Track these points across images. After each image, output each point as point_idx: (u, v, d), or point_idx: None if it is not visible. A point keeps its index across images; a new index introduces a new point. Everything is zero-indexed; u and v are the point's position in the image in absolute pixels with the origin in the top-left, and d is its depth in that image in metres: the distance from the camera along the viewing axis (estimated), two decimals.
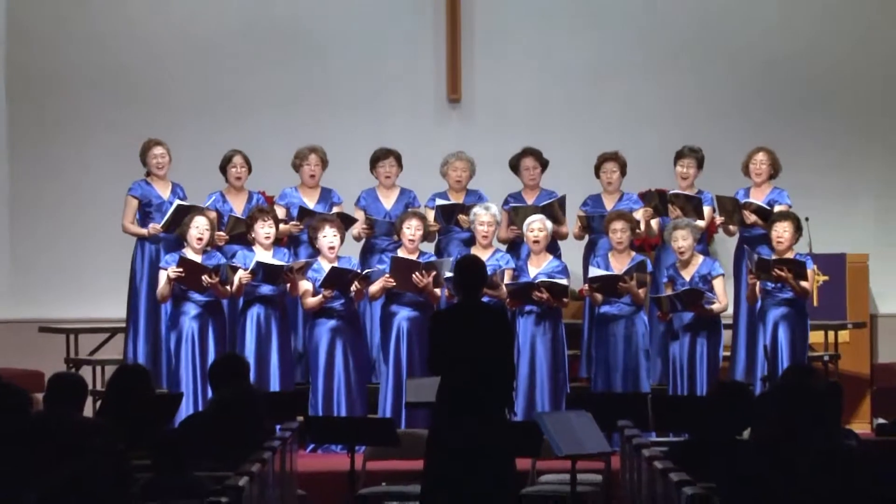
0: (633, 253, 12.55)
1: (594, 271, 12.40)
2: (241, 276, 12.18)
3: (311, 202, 13.09)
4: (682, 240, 12.29)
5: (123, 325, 13.12)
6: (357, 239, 13.06)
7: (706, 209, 12.97)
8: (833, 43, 14.67)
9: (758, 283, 12.24)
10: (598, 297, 12.34)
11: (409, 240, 12.45)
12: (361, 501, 10.59)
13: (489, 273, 11.30)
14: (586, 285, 12.50)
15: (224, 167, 13.08)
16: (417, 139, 13.95)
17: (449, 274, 11.68)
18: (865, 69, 14.69)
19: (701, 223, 12.71)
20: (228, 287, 12.21)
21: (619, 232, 12.41)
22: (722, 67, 14.68)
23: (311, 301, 12.35)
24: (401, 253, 12.43)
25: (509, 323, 10.89)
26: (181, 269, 12.12)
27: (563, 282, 12.40)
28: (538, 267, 12.46)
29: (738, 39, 14.70)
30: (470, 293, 10.00)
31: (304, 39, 14.75)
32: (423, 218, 12.67)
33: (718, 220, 13.02)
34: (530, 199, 13.14)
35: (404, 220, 12.55)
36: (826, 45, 14.69)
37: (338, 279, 12.21)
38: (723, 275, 12.46)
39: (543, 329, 12.39)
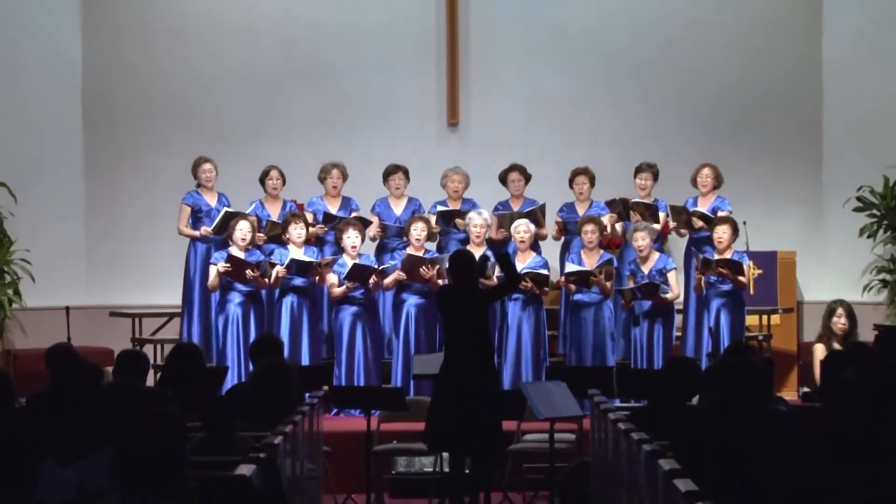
0: (602, 251, 12.52)
1: (570, 266, 12.41)
2: (277, 270, 12.25)
3: (334, 209, 13.07)
4: (641, 240, 12.33)
5: (179, 310, 13.12)
6: (372, 240, 13.05)
7: (661, 215, 12.99)
8: (763, 78, 14.54)
9: (703, 276, 12.30)
10: (573, 287, 12.34)
11: (416, 239, 12.41)
12: (376, 456, 10.62)
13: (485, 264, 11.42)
14: (563, 278, 12.55)
15: (262, 179, 13.10)
16: (422, 157, 13.90)
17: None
18: (790, 100, 14.57)
19: (657, 226, 12.71)
20: (267, 280, 12.30)
21: (590, 233, 12.42)
22: (674, 98, 14.59)
23: (337, 291, 12.39)
24: (409, 251, 12.48)
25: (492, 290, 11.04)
26: (229, 265, 12.17)
27: (545, 272, 12.49)
28: (523, 262, 12.42)
29: (686, 75, 14.56)
30: (462, 280, 10.12)
31: (327, 74, 14.63)
32: (427, 221, 12.64)
33: (671, 224, 13.06)
34: (516, 207, 13.11)
35: (411, 223, 12.54)
36: (758, 79, 14.56)
37: (359, 273, 12.26)
38: (675, 269, 12.47)
39: (528, 313, 12.38)
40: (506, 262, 10.49)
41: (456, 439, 9.85)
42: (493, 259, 11.92)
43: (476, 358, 9.87)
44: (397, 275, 12.34)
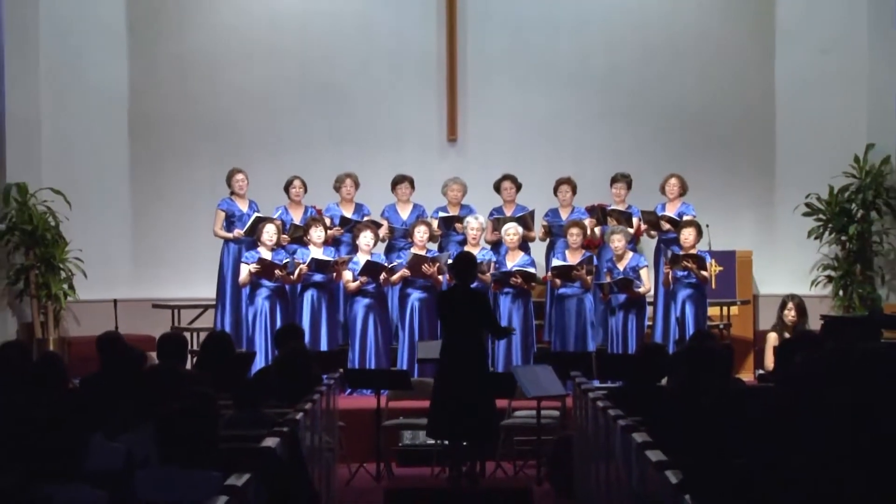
0: (584, 251, 12.60)
1: (556, 262, 12.48)
2: (300, 268, 12.28)
3: (348, 213, 13.07)
4: (617, 242, 12.34)
5: (213, 302, 13.09)
6: (382, 241, 13.07)
7: (634, 219, 12.97)
8: (724, 100, 14.44)
9: (671, 272, 12.31)
10: (558, 282, 12.36)
11: (420, 240, 12.49)
12: (384, 430, 10.64)
13: (479, 261, 11.43)
14: (549, 273, 12.58)
15: (286, 188, 13.10)
16: (425, 168, 13.86)
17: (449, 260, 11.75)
18: (747, 119, 14.47)
19: (631, 230, 12.71)
20: (291, 276, 12.31)
21: (574, 235, 12.44)
22: (645, 118, 14.48)
23: (352, 285, 12.40)
24: (414, 250, 12.49)
25: (488, 299, 10.99)
26: (259, 266, 12.24)
27: (532, 270, 12.50)
28: (513, 261, 12.47)
29: (656, 98, 14.47)
30: (463, 278, 10.13)
31: (342, 96, 14.58)
32: (429, 225, 12.72)
33: (643, 227, 13.08)
34: (508, 212, 13.10)
35: (416, 226, 12.59)
36: (719, 102, 14.44)
37: (371, 270, 12.30)
38: (647, 266, 12.48)
39: (518, 305, 12.37)
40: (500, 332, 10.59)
41: (454, 432, 9.89)
42: (492, 257, 12.05)
43: (471, 348, 9.87)
44: (403, 272, 12.35)
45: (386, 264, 12.38)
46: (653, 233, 13.03)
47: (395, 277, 12.39)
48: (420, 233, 12.51)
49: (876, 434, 4.81)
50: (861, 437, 4.76)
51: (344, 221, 12.98)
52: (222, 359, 8.54)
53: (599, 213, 13.08)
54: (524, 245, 12.86)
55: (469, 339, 9.86)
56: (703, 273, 12.21)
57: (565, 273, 12.32)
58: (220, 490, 4.92)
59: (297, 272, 12.27)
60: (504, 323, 12.23)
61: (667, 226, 12.75)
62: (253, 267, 12.26)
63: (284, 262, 12.29)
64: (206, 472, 5.13)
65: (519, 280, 12.23)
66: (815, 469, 4.51)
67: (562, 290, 12.42)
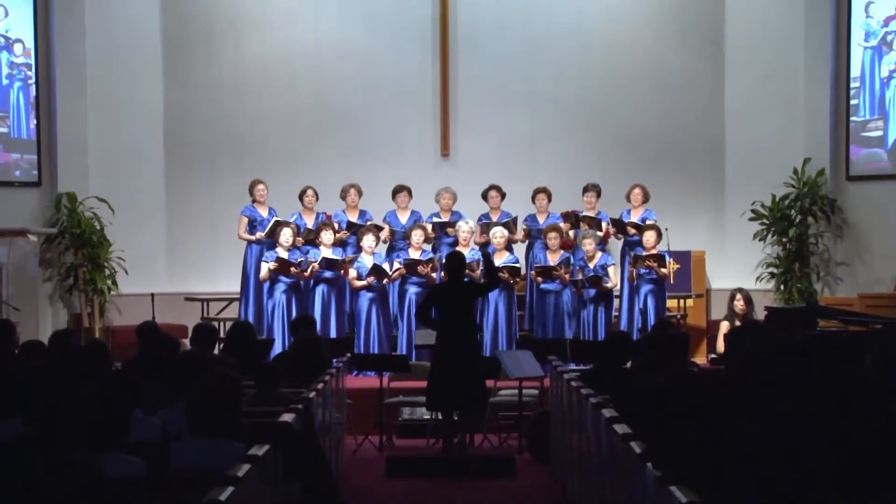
0: (561, 251, 12.61)
1: (538, 264, 12.49)
2: (312, 266, 12.27)
3: (353, 219, 13.03)
4: (588, 245, 12.35)
5: (238, 296, 13.06)
6: (383, 243, 13.08)
7: (604, 224, 12.97)
8: (680, 120, 14.38)
9: (635, 269, 12.32)
10: (539, 279, 12.40)
11: (416, 242, 12.52)
12: (386, 407, 10.66)
13: (468, 261, 11.40)
14: (533, 272, 12.57)
15: (300, 196, 13.12)
16: (421, 180, 13.77)
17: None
18: (701, 136, 14.38)
19: (600, 234, 12.74)
20: (305, 273, 12.30)
21: (553, 238, 12.47)
22: (613, 136, 14.41)
23: (358, 284, 12.41)
24: (410, 252, 12.47)
25: (476, 285, 11.00)
26: (277, 264, 12.23)
27: (517, 265, 12.51)
28: (500, 259, 12.44)
29: (623, 118, 14.40)
30: (454, 274, 10.12)
31: (349, 117, 14.49)
32: (424, 229, 12.71)
33: (611, 230, 13.08)
34: (495, 218, 13.07)
35: (412, 230, 12.62)
36: (676, 121, 14.37)
37: (377, 272, 12.33)
38: (614, 264, 12.50)
39: (503, 298, 12.33)
40: (488, 260, 10.58)
41: (449, 406, 9.90)
42: (480, 257, 11.97)
43: (464, 336, 9.87)
44: (401, 271, 12.38)
45: (389, 271, 12.40)
46: (619, 235, 13.03)
47: (395, 275, 12.41)
48: (416, 236, 12.52)
49: (815, 402, 4.85)
50: (803, 405, 4.80)
51: (350, 226, 12.97)
52: (245, 345, 8.49)
53: (573, 219, 13.07)
54: (509, 246, 12.84)
55: (461, 328, 9.85)
56: (663, 270, 12.23)
57: (546, 272, 12.32)
58: (244, 459, 4.92)
59: (309, 269, 12.27)
60: (491, 314, 12.26)
61: (632, 230, 12.74)
62: (272, 265, 12.29)
63: (299, 260, 12.31)
64: (231, 443, 5.12)
65: (506, 275, 12.22)
66: (762, 436, 4.52)
67: (542, 286, 12.43)
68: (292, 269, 12.26)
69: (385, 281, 12.36)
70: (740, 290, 12.51)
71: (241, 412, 5.52)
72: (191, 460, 4.99)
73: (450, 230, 12.90)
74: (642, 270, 12.28)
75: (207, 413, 5.19)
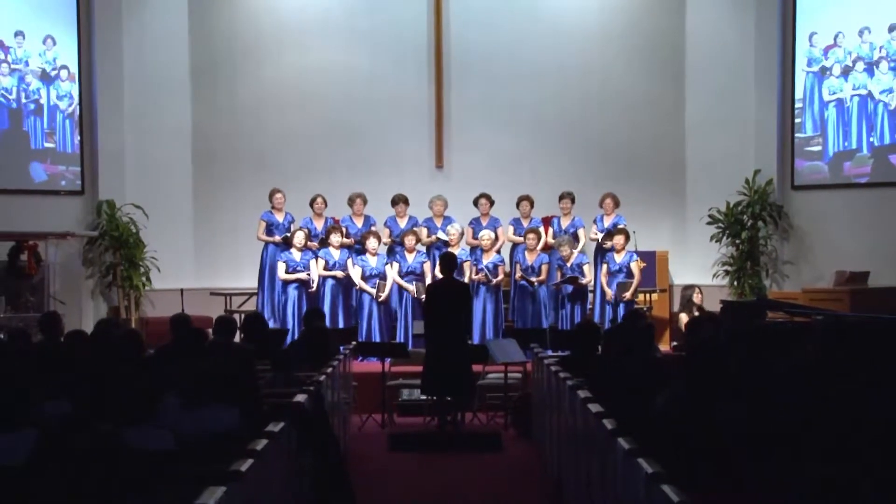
0: (540, 252, 12.59)
1: (519, 269, 12.48)
2: (315, 282, 12.32)
3: (358, 224, 13.02)
4: (564, 251, 12.32)
5: (256, 291, 13.06)
6: (384, 245, 13.04)
7: (580, 230, 12.98)
8: (646, 136, 14.23)
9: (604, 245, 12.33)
10: (520, 279, 12.41)
11: (409, 246, 12.53)
12: (388, 389, 10.65)
13: (459, 261, 11.41)
14: (520, 274, 12.49)
15: (311, 203, 13.06)
16: (418, 189, 13.73)
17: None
18: (664, 150, 14.24)
19: (575, 242, 12.70)
20: (311, 290, 12.36)
21: (531, 240, 12.47)
22: (587, 149, 14.34)
23: (381, 296, 12.37)
24: (406, 254, 12.50)
25: (470, 293, 10.97)
26: (297, 280, 12.31)
27: (503, 265, 12.50)
28: (488, 259, 12.48)
29: (595, 134, 14.34)
30: (447, 271, 10.09)
31: (354, 133, 14.48)
32: (416, 234, 12.70)
33: (593, 236, 13.06)
34: (484, 223, 13.00)
35: (406, 236, 12.61)
36: (642, 137, 14.23)
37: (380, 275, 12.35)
38: (588, 263, 12.49)
39: (490, 293, 12.38)
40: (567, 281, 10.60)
41: (441, 390, 9.88)
42: (469, 257, 12.02)
43: (454, 327, 9.84)
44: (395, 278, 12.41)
45: (388, 264, 12.41)
46: (592, 237, 13.02)
47: (384, 296, 12.38)
48: (409, 241, 12.57)
49: (765, 382, 4.87)
50: (755, 384, 4.82)
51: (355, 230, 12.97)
52: (258, 333, 8.42)
53: (553, 224, 13.10)
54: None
55: (452, 319, 9.82)
56: (583, 281, 12.23)
57: (529, 276, 12.34)
58: (261, 434, 4.90)
59: (314, 286, 12.35)
60: (479, 305, 12.27)
61: (609, 243, 12.62)
62: (293, 277, 12.34)
63: (306, 274, 12.33)
64: (227, 408, 5.10)
65: (500, 277, 12.23)
66: (719, 411, 4.54)
67: (524, 283, 12.42)
68: (306, 285, 12.36)
69: (380, 299, 12.28)
70: (695, 286, 12.69)
71: (260, 393, 5.51)
72: (191, 430, 4.94)
73: (446, 237, 12.84)
74: (613, 267, 12.31)
75: (230, 392, 5.18)
